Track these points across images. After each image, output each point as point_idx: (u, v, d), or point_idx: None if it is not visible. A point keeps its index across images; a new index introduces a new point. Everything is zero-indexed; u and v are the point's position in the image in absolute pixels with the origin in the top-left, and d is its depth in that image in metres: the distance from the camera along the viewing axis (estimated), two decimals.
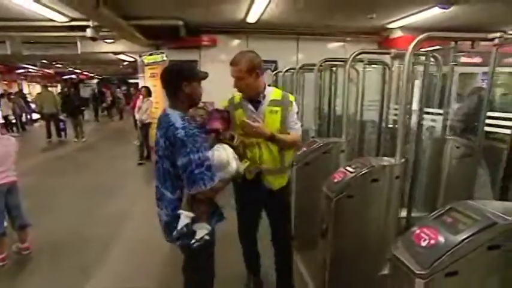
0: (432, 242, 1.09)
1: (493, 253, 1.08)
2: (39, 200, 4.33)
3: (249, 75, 1.91)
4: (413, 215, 2.74)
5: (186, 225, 1.58)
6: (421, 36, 1.85)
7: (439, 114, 2.72)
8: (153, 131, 6.37)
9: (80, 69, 17.97)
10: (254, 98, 2.03)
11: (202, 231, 1.62)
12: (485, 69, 5.12)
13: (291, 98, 2.11)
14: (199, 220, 1.62)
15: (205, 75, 1.75)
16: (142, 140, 6.59)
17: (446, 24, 5.84)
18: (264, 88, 2.04)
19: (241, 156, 1.81)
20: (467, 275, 1.07)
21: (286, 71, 5.11)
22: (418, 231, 1.16)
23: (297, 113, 2.12)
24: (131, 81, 20.78)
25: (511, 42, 2.03)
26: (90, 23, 5.51)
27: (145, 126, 6.47)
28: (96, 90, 15.45)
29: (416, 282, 1.05)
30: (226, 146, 1.73)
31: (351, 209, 1.87)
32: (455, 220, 1.13)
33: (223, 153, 1.67)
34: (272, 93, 2.07)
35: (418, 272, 1.05)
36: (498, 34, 2.03)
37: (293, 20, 6.23)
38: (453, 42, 2.32)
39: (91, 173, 6.06)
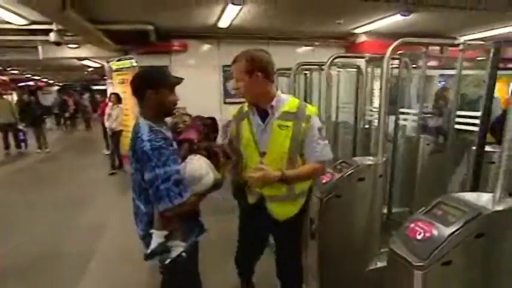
0: (427, 234, 1.16)
1: (479, 241, 1.18)
2: (2, 217, 4.01)
3: (249, 76, 1.62)
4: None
5: (160, 244, 1.50)
6: (397, 42, 1.97)
7: (408, 114, 2.90)
8: (124, 139, 6.14)
9: (39, 76, 16.95)
10: (261, 107, 1.71)
11: (177, 249, 1.53)
12: (442, 71, 5.57)
13: (310, 110, 1.69)
14: (172, 238, 1.51)
15: (176, 81, 1.58)
16: (114, 148, 6.33)
17: (407, 30, 6.21)
18: (274, 96, 1.69)
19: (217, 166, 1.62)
20: (459, 263, 1.15)
21: None
22: (412, 226, 1.23)
23: (320, 129, 1.69)
24: (96, 87, 19.90)
25: (474, 48, 2.23)
26: (53, 27, 5.21)
27: (116, 134, 6.22)
28: (58, 99, 14.60)
29: (415, 273, 1.12)
30: (200, 156, 1.60)
31: (339, 208, 1.93)
32: (444, 213, 1.22)
33: (195, 165, 1.54)
34: (286, 103, 1.70)
35: (416, 264, 1.12)
36: (462, 40, 2.22)
37: (264, 25, 6.32)
38: (424, 48, 2.51)
39: (59, 185, 5.70)
